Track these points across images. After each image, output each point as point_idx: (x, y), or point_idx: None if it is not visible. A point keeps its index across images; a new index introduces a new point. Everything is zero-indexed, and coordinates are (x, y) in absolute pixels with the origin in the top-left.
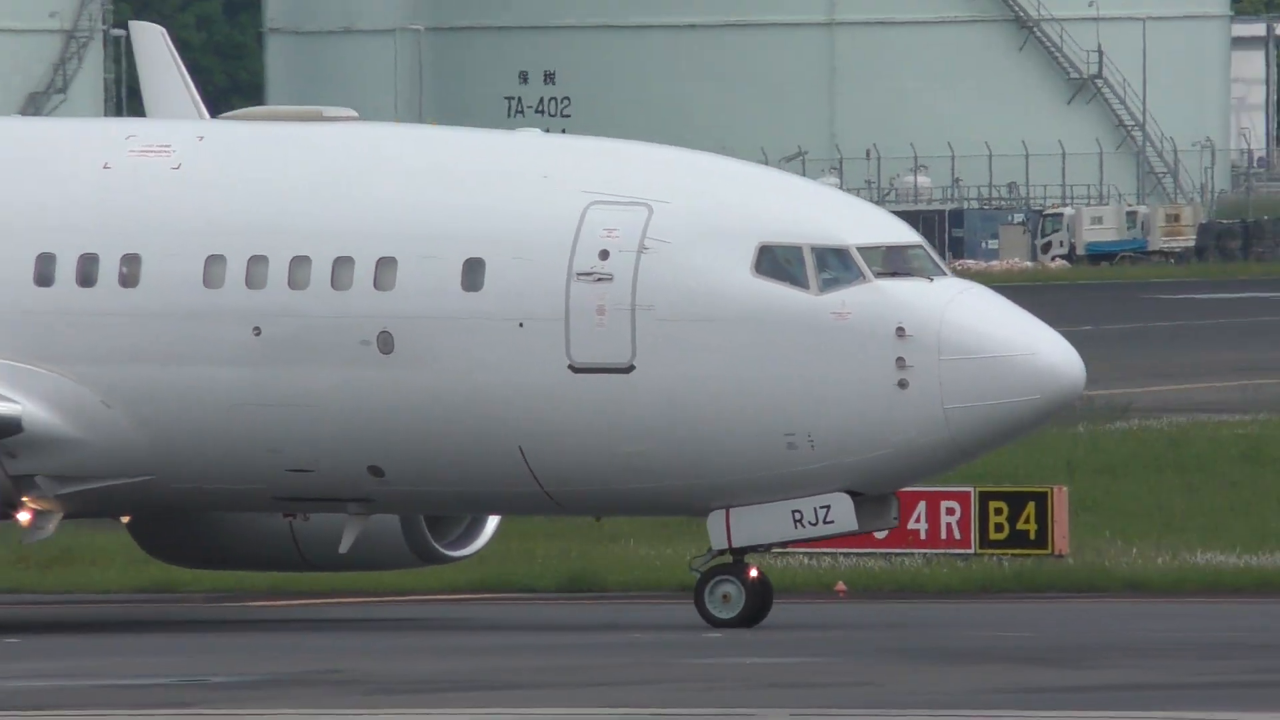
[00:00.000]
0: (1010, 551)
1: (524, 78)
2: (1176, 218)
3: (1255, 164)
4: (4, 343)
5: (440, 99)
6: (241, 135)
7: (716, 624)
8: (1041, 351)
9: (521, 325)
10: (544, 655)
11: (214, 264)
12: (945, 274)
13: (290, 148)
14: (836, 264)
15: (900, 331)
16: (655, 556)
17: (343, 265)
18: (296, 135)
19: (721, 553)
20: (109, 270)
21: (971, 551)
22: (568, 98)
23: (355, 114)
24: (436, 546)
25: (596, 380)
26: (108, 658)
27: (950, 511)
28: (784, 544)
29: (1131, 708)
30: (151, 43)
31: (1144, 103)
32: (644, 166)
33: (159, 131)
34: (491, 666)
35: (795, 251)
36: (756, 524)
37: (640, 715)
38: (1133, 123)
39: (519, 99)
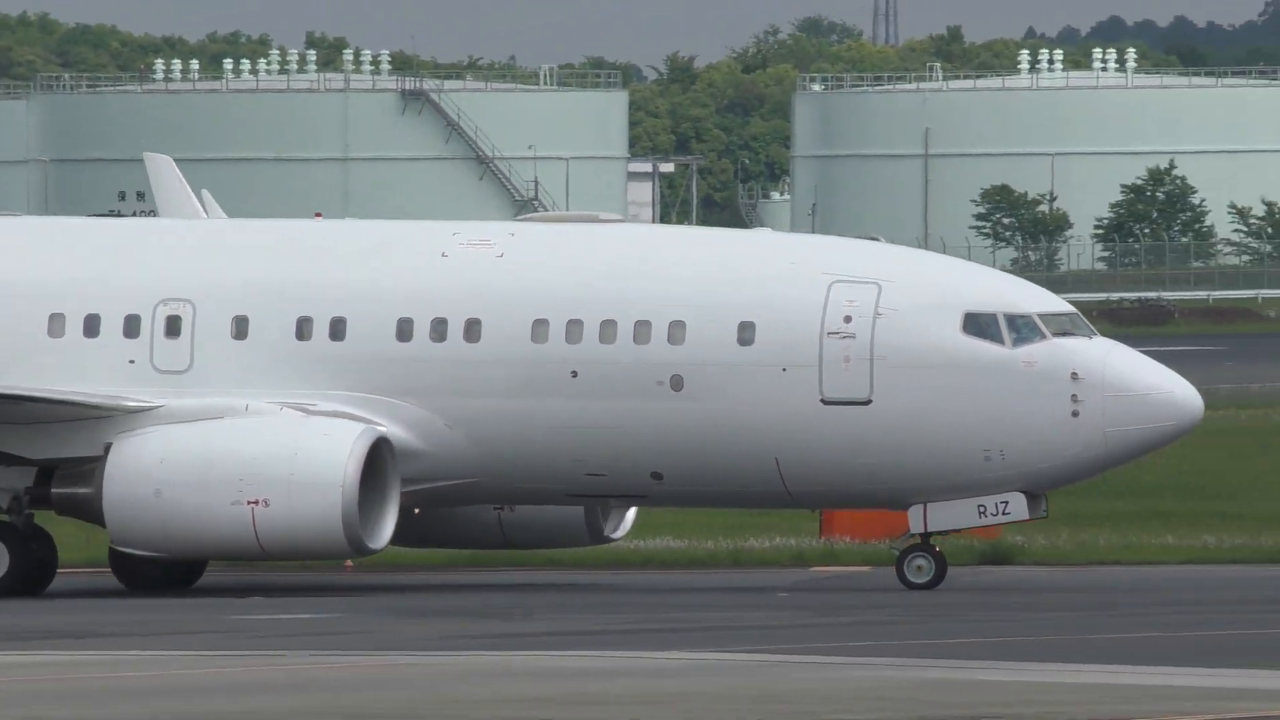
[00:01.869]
0: None
1: (122, 196)
2: None
3: None
4: (374, 382)
5: (62, 211)
6: (543, 232)
7: (913, 588)
8: (1176, 391)
9: (784, 370)
10: (132, 612)
11: (539, 325)
12: (1096, 334)
13: (583, 240)
14: (1023, 326)
15: (1074, 376)
16: None
17: (642, 326)
18: (586, 231)
19: (913, 536)
20: (455, 330)
21: None
22: (153, 210)
23: (622, 218)
24: (604, 531)
25: (842, 410)
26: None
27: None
28: (965, 530)
29: (550, 649)
30: (163, 168)
31: None
32: (867, 255)
33: (478, 230)
34: (89, 620)
35: (992, 318)
36: (948, 515)
37: (198, 657)
38: None
39: (118, 210)
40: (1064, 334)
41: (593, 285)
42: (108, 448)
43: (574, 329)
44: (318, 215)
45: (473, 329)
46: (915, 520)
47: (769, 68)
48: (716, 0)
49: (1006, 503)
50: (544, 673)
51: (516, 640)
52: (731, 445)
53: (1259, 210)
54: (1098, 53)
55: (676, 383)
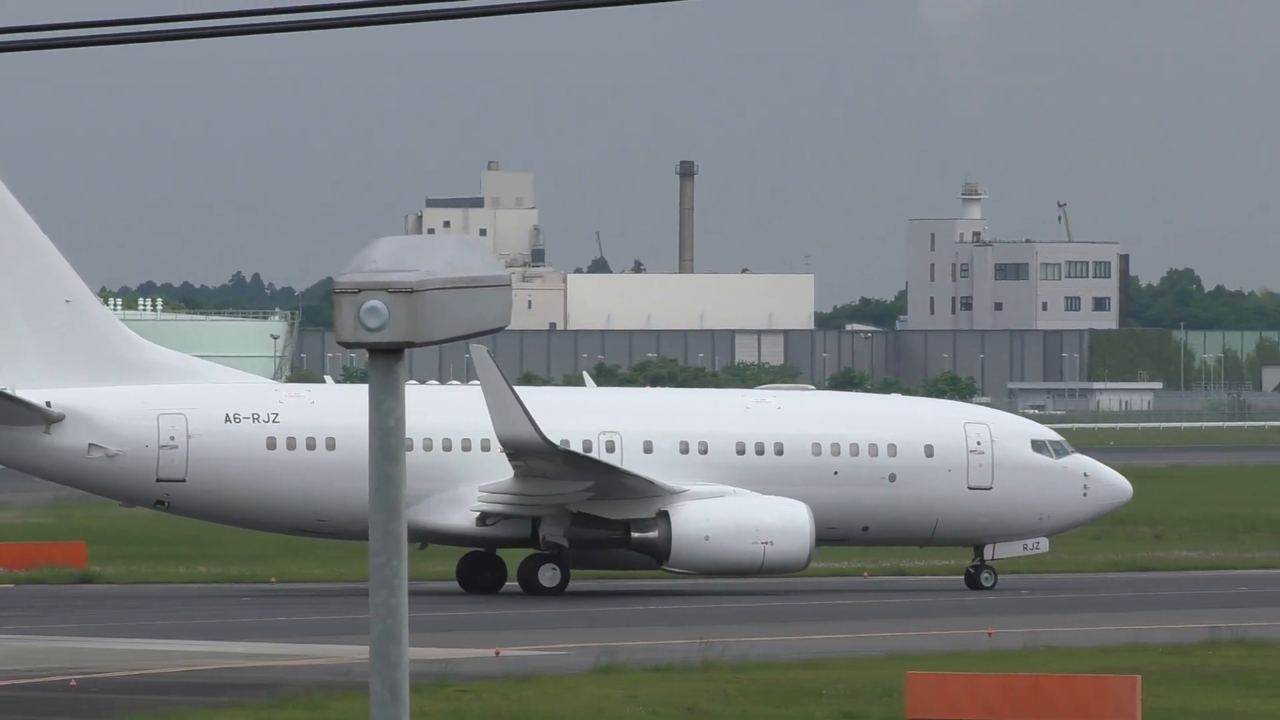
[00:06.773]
0: None
1: None
2: None
3: None
4: (726, 478)
5: None
6: (793, 395)
7: (981, 590)
8: (1125, 482)
9: (949, 471)
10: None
11: (815, 446)
12: (1076, 452)
13: (819, 400)
14: (1057, 448)
15: (1085, 475)
16: None
17: (873, 446)
18: (817, 395)
19: (979, 560)
20: (769, 448)
21: None
22: None
23: (813, 387)
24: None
25: (978, 493)
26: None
27: None
28: (1008, 558)
29: None
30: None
31: None
32: (972, 411)
33: (757, 395)
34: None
35: (1043, 443)
36: (1005, 550)
37: None
38: None
39: None
40: (1073, 452)
41: (838, 424)
42: (661, 513)
43: (834, 448)
44: (650, 386)
45: (779, 448)
46: (987, 551)
47: None
48: None
49: (1038, 543)
50: None
51: None
52: (914, 512)
53: None
54: (143, 300)
55: (892, 478)
